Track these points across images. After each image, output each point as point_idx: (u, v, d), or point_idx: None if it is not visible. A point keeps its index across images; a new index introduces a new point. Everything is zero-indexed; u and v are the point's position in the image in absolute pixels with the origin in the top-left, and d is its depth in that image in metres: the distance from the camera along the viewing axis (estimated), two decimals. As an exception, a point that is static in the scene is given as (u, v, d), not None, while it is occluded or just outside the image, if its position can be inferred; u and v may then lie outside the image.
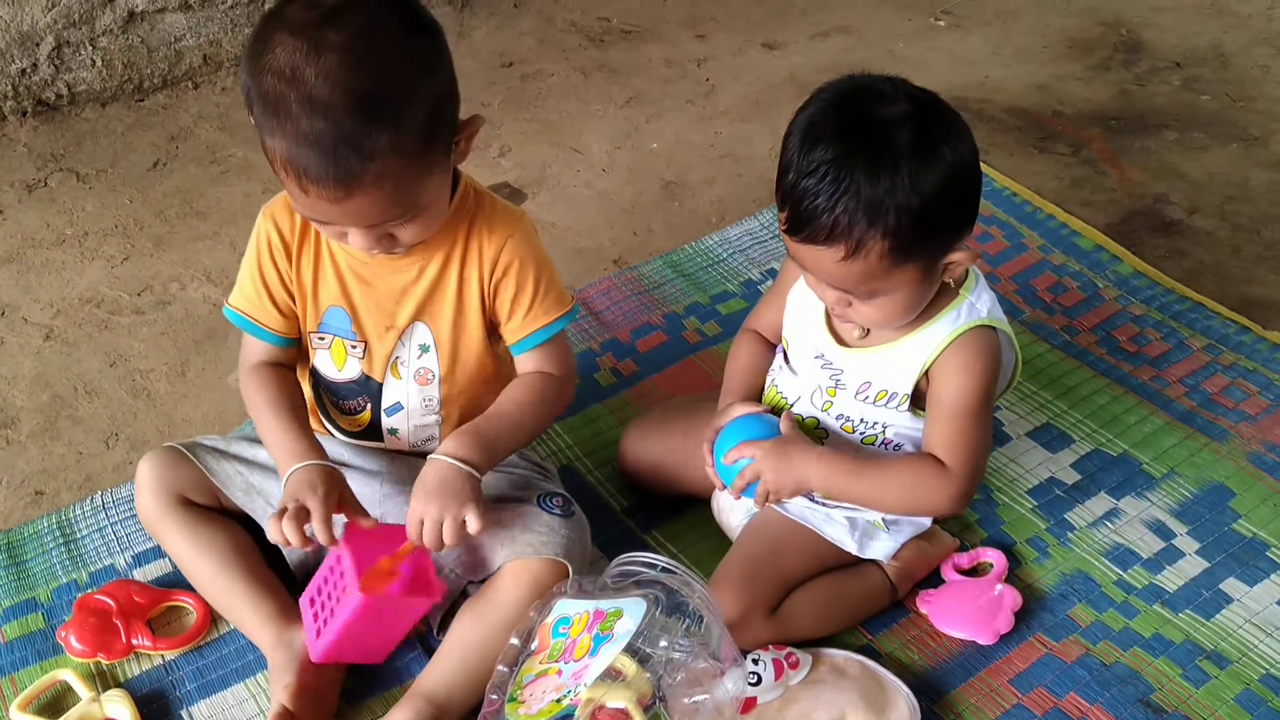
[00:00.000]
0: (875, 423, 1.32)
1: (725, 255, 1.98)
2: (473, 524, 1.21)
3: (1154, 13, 2.86)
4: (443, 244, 1.27)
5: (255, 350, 1.35)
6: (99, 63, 2.44)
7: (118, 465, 1.64)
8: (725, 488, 1.34)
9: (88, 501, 1.54)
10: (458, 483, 1.22)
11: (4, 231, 2.11)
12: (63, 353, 1.84)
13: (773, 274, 1.92)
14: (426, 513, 1.21)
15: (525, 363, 1.34)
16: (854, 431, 1.34)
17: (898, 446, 1.34)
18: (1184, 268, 1.98)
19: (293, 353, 1.37)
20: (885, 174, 1.12)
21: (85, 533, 1.50)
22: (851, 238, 1.14)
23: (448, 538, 1.20)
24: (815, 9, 2.90)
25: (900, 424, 1.32)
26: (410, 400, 1.34)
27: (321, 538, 1.20)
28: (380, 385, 1.34)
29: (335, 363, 1.34)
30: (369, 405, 1.36)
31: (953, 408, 1.27)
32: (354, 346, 1.32)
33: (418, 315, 1.30)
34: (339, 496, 1.24)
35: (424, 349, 1.32)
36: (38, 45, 2.36)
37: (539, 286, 1.29)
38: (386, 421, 1.36)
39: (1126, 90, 2.55)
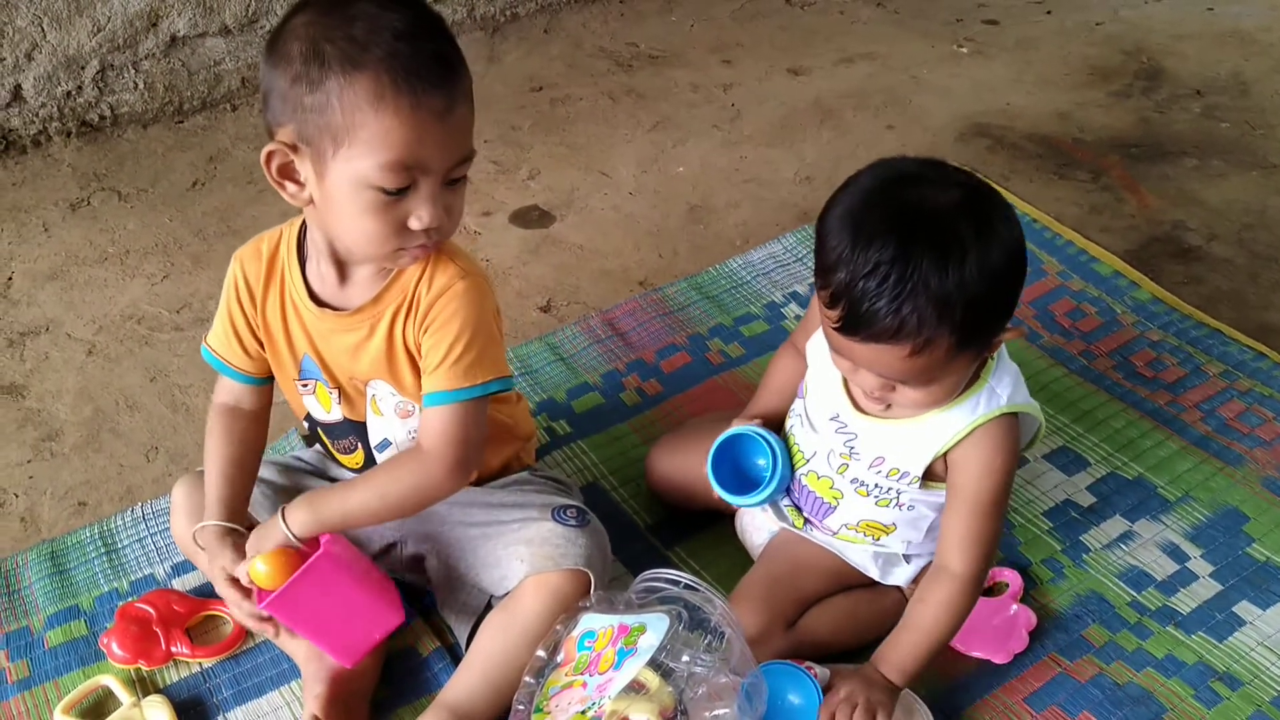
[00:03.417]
0: (889, 489, 1.31)
1: (749, 278, 2.02)
2: (240, 573, 1.27)
3: (1175, 41, 2.88)
4: (395, 299, 1.24)
5: (225, 388, 1.38)
6: (141, 85, 2.50)
7: (158, 478, 1.68)
8: (722, 499, 1.36)
9: (128, 512, 1.59)
10: (271, 533, 1.27)
11: (48, 249, 2.16)
12: (105, 368, 1.89)
13: (795, 297, 1.96)
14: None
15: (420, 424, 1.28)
16: (868, 495, 1.32)
17: (911, 508, 1.32)
18: (1201, 294, 2.00)
19: (263, 393, 1.39)
20: (954, 268, 1.07)
21: (126, 543, 1.55)
22: (920, 336, 1.09)
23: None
24: (840, 35, 2.94)
25: (912, 492, 1.31)
26: (397, 435, 1.33)
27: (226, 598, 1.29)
28: (364, 424, 1.34)
29: (322, 406, 1.35)
30: (360, 445, 1.37)
31: (972, 504, 1.25)
32: (331, 391, 1.33)
33: (375, 373, 1.29)
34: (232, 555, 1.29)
35: (393, 393, 1.31)
36: (83, 68, 2.43)
37: (454, 349, 1.22)
38: (380, 458, 1.36)
39: (1146, 118, 2.57)
